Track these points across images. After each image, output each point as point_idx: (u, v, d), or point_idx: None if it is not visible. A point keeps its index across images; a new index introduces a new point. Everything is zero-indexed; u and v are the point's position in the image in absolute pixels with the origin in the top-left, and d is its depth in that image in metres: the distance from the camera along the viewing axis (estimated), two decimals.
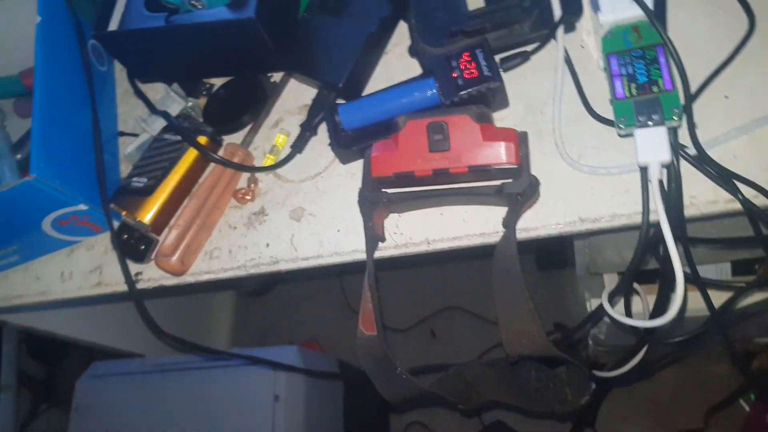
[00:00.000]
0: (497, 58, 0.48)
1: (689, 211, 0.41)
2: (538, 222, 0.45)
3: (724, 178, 0.40)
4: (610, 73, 0.40)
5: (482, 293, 1.25)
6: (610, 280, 0.63)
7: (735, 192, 0.40)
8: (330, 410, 0.97)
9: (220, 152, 0.55)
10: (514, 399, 0.51)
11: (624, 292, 0.48)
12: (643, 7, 0.39)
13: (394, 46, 0.55)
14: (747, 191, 0.40)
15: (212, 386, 0.85)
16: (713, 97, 0.43)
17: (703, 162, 0.41)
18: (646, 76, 0.39)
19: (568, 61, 0.46)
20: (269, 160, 0.54)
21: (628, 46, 0.40)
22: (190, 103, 0.57)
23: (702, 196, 0.41)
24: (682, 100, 0.39)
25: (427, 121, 0.43)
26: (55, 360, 1.28)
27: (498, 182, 0.43)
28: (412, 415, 1.18)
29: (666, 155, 0.38)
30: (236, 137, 0.56)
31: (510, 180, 0.43)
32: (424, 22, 0.50)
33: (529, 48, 0.48)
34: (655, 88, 0.38)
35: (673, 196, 0.40)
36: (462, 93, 0.45)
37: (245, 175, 0.55)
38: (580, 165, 0.44)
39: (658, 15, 0.42)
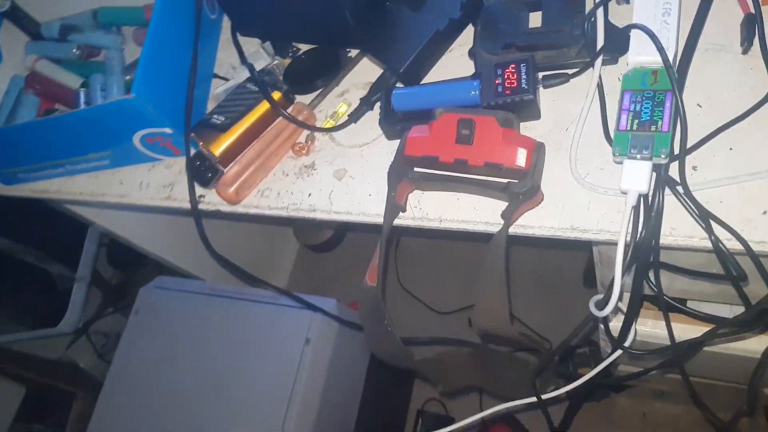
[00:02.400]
0: (540, 74, 0.63)
1: (666, 240, 0.54)
2: (536, 222, 0.59)
3: (703, 217, 0.52)
4: (620, 105, 0.54)
5: (531, 304, 1.39)
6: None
7: (710, 231, 0.52)
8: (356, 365, 1.20)
9: (290, 109, 0.73)
10: (486, 383, 0.66)
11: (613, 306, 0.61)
12: (663, 56, 0.52)
13: (459, 45, 0.70)
14: (722, 233, 0.52)
15: (254, 320, 1.10)
16: (720, 146, 0.55)
17: (689, 199, 0.53)
18: (649, 116, 0.52)
19: (600, 90, 0.60)
20: (328, 123, 0.72)
21: (643, 87, 0.53)
22: (276, 61, 0.76)
23: (681, 229, 0.54)
24: (671, 143, 0.51)
25: (459, 117, 0.58)
26: (129, 270, 1.58)
27: (506, 180, 0.57)
28: (433, 391, 1.41)
29: (644, 186, 0.51)
30: (306, 98, 0.75)
31: (516, 181, 0.57)
32: (487, 30, 0.66)
33: (570, 71, 0.62)
34: (653, 128, 0.51)
35: (652, 223, 0.53)
36: (498, 99, 0.60)
37: (305, 132, 0.73)
38: (584, 181, 0.58)
39: (681, 67, 0.55)
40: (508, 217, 0.57)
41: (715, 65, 0.58)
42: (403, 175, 0.62)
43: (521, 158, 0.56)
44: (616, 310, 0.63)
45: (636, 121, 0.52)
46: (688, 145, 0.54)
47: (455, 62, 0.70)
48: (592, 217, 0.57)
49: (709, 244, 0.53)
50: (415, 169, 0.62)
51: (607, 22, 0.59)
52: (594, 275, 1.27)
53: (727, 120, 0.55)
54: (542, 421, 0.96)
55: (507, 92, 0.60)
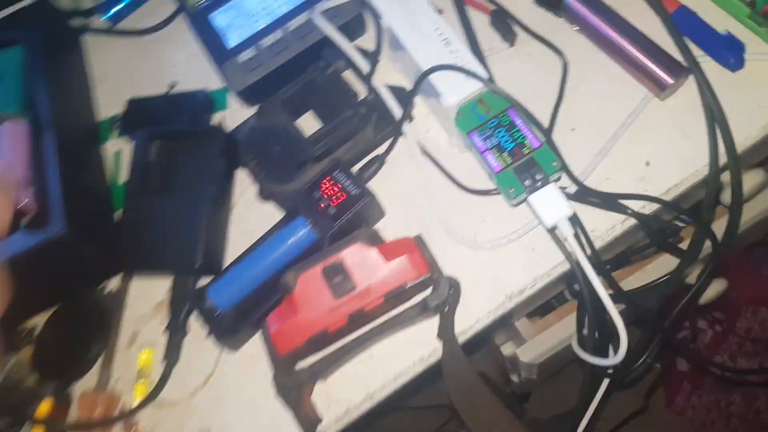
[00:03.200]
0: (353, 171, 0.54)
1: (597, 243, 0.50)
2: (470, 319, 0.50)
3: (610, 202, 0.50)
4: (478, 150, 0.48)
5: None
6: None
7: (624, 210, 0.49)
8: None
9: (74, 410, 0.51)
10: None
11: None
12: (482, 80, 0.48)
13: (239, 197, 0.58)
14: (634, 204, 0.50)
15: None
16: (564, 133, 0.54)
17: (587, 195, 0.50)
18: (511, 141, 0.47)
19: (423, 149, 0.54)
20: (141, 390, 0.52)
21: (481, 120, 0.49)
22: (9, 365, 0.53)
23: (600, 226, 0.50)
24: (553, 151, 0.47)
25: (320, 268, 0.46)
26: None
27: (419, 299, 0.47)
28: None
29: (567, 209, 0.46)
30: (89, 379, 0.53)
31: (429, 292, 0.47)
32: (265, 163, 0.55)
33: (381, 151, 0.55)
34: (525, 150, 0.47)
35: (581, 238, 0.48)
36: (338, 220, 0.50)
37: (117, 427, 0.52)
38: (480, 243, 0.51)
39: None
40: (449, 332, 0.46)
41: (504, 66, 0.57)
42: (299, 383, 0.46)
43: (417, 265, 0.46)
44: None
45: (505, 153, 0.47)
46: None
47: (248, 215, 0.57)
48: (516, 272, 0.50)
49: (632, 221, 0.50)
50: (306, 363, 0.48)
51: (392, 88, 0.54)
52: None
53: (550, 106, 0.55)
54: None
55: (341, 209, 0.50)
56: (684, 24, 0.54)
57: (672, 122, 0.53)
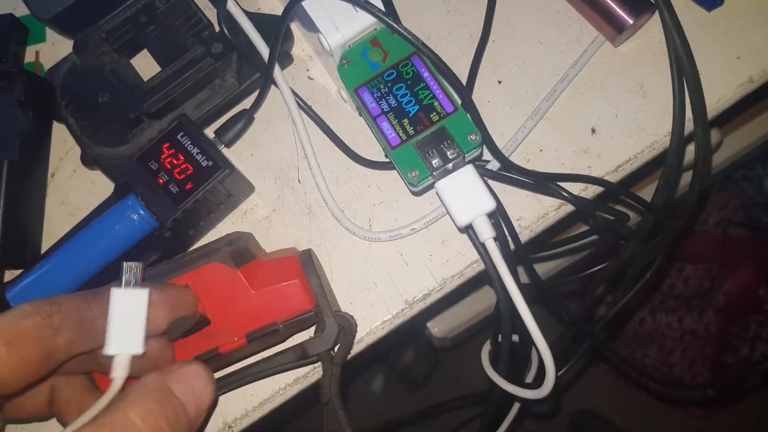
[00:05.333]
0: (210, 132, 0.40)
1: (522, 236, 0.38)
2: (364, 328, 0.38)
3: (541, 184, 0.38)
4: (369, 114, 0.34)
5: None
6: None
7: (560, 194, 0.37)
8: None
9: None
10: None
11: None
12: (374, 11, 0.34)
13: (60, 161, 0.43)
14: (573, 187, 0.38)
15: None
16: (488, 87, 0.41)
17: (513, 174, 0.37)
18: (415, 104, 0.34)
19: (302, 104, 0.40)
20: None
21: (375, 71, 0.35)
22: None
23: (529, 214, 0.39)
24: (472, 118, 0.34)
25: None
26: None
27: (295, 345, 0.34)
28: None
29: (488, 203, 0.33)
30: None
31: (312, 335, 0.35)
32: (87, 118, 0.40)
33: (247, 105, 0.41)
34: (433, 116, 0.33)
35: (499, 232, 0.36)
36: (184, 203, 0.36)
37: None
38: (375, 234, 0.38)
39: (391, 11, 0.37)
40: (334, 394, 0.33)
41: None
42: None
43: (297, 298, 0.33)
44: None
45: (405, 121, 0.34)
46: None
47: (71, 186, 0.43)
48: (420, 271, 0.38)
49: (569, 207, 0.39)
50: None
51: (251, 18, 0.39)
52: None
53: (469, 52, 0.41)
54: None
55: (188, 186, 0.36)
56: None
57: (627, 76, 0.40)
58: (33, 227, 0.41)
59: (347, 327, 0.34)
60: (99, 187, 0.42)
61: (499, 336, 0.38)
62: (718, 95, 0.39)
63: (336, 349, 0.34)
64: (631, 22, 0.38)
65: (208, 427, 0.38)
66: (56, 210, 0.42)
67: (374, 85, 0.34)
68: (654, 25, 0.40)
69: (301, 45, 0.43)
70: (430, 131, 0.33)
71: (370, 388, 1.36)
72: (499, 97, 0.41)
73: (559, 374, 0.42)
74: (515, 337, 0.44)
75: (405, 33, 0.34)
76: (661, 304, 1.24)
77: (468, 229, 0.34)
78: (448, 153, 0.33)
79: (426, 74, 0.34)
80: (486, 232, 0.33)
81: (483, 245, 0.33)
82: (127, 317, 0.28)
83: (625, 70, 0.40)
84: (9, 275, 0.40)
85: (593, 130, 0.39)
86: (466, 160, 0.33)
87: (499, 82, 0.41)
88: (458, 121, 0.33)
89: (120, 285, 0.28)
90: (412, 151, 0.33)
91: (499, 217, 0.36)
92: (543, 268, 0.77)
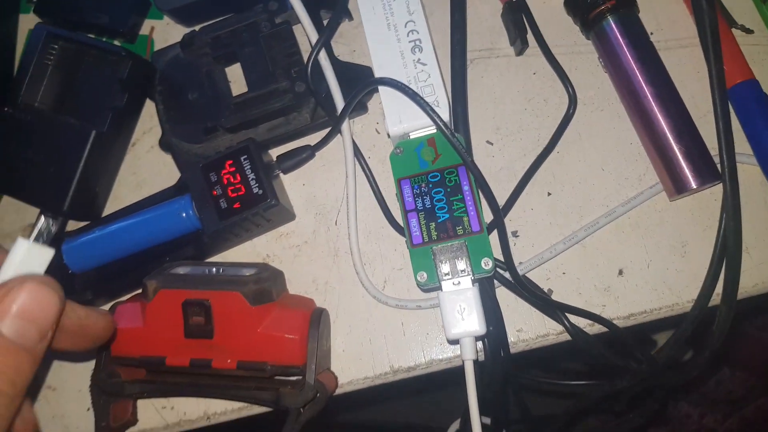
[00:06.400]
0: (273, 153, 0.43)
1: (516, 348, 0.40)
2: (344, 377, 0.41)
3: (549, 308, 0.39)
4: (403, 205, 0.36)
5: None
6: None
7: (563, 323, 0.38)
8: None
9: None
10: None
11: None
12: (437, 122, 0.35)
13: (143, 134, 0.48)
14: (579, 321, 0.39)
15: None
16: (537, 195, 0.41)
17: (523, 290, 0.39)
18: (447, 212, 0.35)
19: (361, 160, 0.42)
20: None
21: (423, 168, 0.36)
22: None
23: (531, 328, 0.40)
24: (489, 246, 0.35)
25: (184, 296, 0.37)
26: None
27: (274, 385, 0.38)
28: None
29: (480, 327, 0.35)
30: None
31: (289, 386, 0.38)
32: (174, 108, 0.44)
33: (312, 140, 0.44)
34: (459, 229, 0.35)
35: (494, 339, 0.38)
36: (227, 220, 0.40)
37: None
38: (385, 297, 0.41)
39: (456, 105, 0.39)
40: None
41: (490, 81, 0.44)
42: (116, 392, 0.39)
43: (290, 351, 0.37)
44: None
45: (432, 224, 0.36)
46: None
47: (145, 160, 0.47)
48: (413, 344, 0.41)
49: (568, 337, 0.40)
50: (134, 377, 0.40)
51: (338, 66, 0.41)
52: None
53: (531, 155, 0.42)
54: None
55: (236, 206, 0.40)
56: (743, 105, 0.39)
57: (674, 231, 0.40)
58: (103, 189, 0.46)
59: (322, 393, 0.37)
60: (167, 169, 0.46)
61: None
62: (755, 280, 0.38)
63: (305, 408, 0.37)
64: (694, 186, 0.37)
65: (191, 409, 0.43)
66: (127, 177, 0.47)
67: (417, 182, 0.36)
68: (714, 191, 0.39)
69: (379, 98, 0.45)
70: (450, 243, 0.35)
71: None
72: (543, 208, 0.41)
73: None
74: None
75: (458, 146, 0.35)
76: (686, 393, 1.20)
77: (454, 343, 0.36)
78: (459, 268, 0.34)
79: (466, 188, 0.35)
80: (468, 353, 0.34)
81: (465, 369, 0.35)
82: (23, 270, 0.23)
83: (674, 225, 0.40)
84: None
85: (620, 272, 0.40)
86: (473, 279, 0.35)
87: (549, 194, 0.41)
88: (479, 243, 0.35)
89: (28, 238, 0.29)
90: (429, 254, 0.35)
91: (488, 341, 0.37)
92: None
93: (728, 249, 0.37)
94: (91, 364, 0.41)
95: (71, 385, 0.44)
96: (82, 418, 0.44)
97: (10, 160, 0.44)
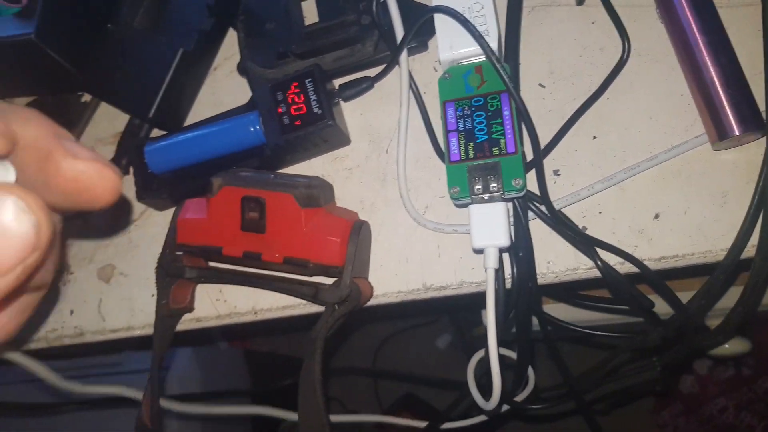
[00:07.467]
0: (336, 83, 0.47)
1: (545, 279, 0.41)
2: (379, 288, 0.44)
3: (583, 241, 0.40)
4: (446, 126, 0.39)
5: None
6: None
7: (594, 257, 0.40)
8: None
9: None
10: None
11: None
12: (484, 48, 0.38)
13: (224, 60, 0.52)
14: (611, 256, 0.40)
15: None
16: (581, 135, 0.43)
17: (558, 223, 0.40)
18: (486, 133, 0.37)
19: (415, 91, 0.45)
20: None
21: (468, 93, 0.39)
22: None
23: (561, 261, 0.41)
24: (524, 168, 0.37)
25: (243, 193, 0.41)
26: None
27: (314, 283, 0.42)
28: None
29: (504, 239, 0.37)
30: None
31: (328, 284, 0.41)
32: (252, 36, 0.48)
33: (372, 73, 0.47)
34: (495, 150, 0.37)
35: (523, 265, 0.40)
36: (288, 135, 0.44)
37: None
38: (425, 220, 0.43)
39: (509, 43, 0.41)
40: (321, 334, 0.40)
41: (549, 28, 0.45)
42: (178, 275, 0.44)
43: (331, 252, 0.40)
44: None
45: (471, 144, 0.38)
46: (542, 144, 0.41)
47: (224, 83, 0.52)
48: (447, 265, 0.43)
49: (597, 273, 0.41)
50: (194, 264, 0.45)
51: (402, 2, 0.44)
52: None
53: (581, 99, 0.43)
54: None
55: (297, 123, 0.44)
56: None
57: (716, 181, 0.40)
58: (185, 103, 0.51)
59: (356, 293, 0.40)
60: (242, 92, 0.50)
61: None
62: None
63: (339, 305, 0.40)
64: (737, 133, 0.37)
65: (242, 303, 0.47)
66: (206, 97, 0.52)
67: (461, 104, 0.38)
68: (759, 145, 0.39)
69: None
70: (486, 161, 0.37)
71: (434, 342, 1.44)
72: (587, 150, 0.42)
73: (530, 407, 0.46)
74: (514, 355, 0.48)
75: (503, 74, 0.37)
76: (750, 402, 1.15)
77: (480, 253, 0.38)
78: (491, 186, 0.36)
79: (506, 113, 0.37)
80: (491, 262, 0.36)
81: (486, 275, 0.37)
82: None
83: (717, 176, 0.40)
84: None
85: (656, 215, 0.40)
86: (504, 197, 0.37)
87: (594, 137, 0.43)
88: (512, 163, 0.36)
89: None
90: (464, 171, 0.37)
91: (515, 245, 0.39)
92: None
93: (766, 202, 0.37)
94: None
95: (141, 273, 0.50)
96: (147, 303, 0.49)
97: (109, 71, 0.50)
